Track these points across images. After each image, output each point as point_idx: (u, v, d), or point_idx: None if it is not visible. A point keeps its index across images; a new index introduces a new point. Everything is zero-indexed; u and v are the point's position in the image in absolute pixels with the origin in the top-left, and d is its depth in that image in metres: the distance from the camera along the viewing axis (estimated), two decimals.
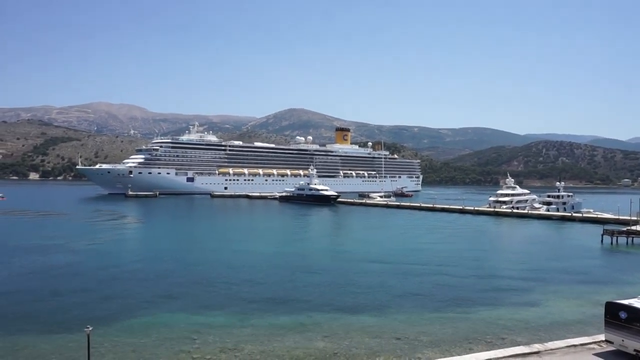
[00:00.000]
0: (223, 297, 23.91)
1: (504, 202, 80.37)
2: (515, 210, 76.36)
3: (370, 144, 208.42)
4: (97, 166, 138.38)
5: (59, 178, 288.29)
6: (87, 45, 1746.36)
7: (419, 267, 32.70)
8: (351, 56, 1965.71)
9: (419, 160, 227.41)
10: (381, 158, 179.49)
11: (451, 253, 39.14)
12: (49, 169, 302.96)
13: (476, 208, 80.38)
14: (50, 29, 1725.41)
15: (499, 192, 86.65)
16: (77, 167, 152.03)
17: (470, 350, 16.79)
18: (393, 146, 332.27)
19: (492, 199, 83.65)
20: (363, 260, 35.15)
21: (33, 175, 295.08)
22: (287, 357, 16.35)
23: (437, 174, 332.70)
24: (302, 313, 21.38)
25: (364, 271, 30.90)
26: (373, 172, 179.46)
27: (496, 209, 77.94)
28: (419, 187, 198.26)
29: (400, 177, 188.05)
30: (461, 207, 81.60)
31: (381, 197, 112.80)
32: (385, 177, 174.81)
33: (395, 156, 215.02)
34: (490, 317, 21.14)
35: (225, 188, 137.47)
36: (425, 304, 23.28)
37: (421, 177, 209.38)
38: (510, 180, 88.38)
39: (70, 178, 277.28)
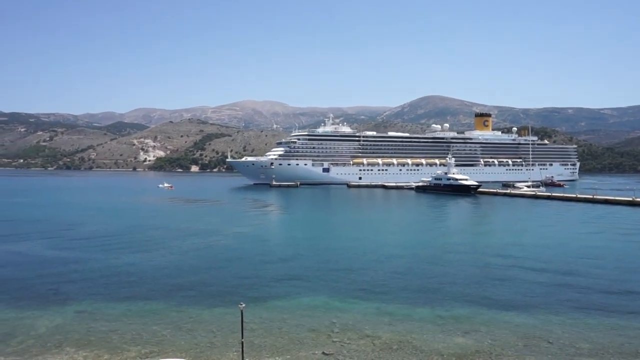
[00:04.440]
0: (361, 284, 24.48)
1: None
2: None
3: (514, 129, 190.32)
4: (244, 159, 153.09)
5: (214, 170, 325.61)
6: (235, 49, 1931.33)
7: (576, 264, 29.13)
8: (489, 36, 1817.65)
9: (574, 146, 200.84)
10: (528, 144, 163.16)
11: (618, 251, 34.03)
12: (206, 162, 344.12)
13: None
14: (208, 41, 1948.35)
15: None
16: (227, 160, 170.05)
17: None
18: (542, 131, 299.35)
19: None
20: (507, 253, 32.64)
21: (194, 168, 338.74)
22: (424, 350, 16.10)
23: (597, 160, 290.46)
24: (440, 305, 20.79)
25: (508, 265, 28.69)
26: (518, 160, 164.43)
27: None
28: (576, 176, 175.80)
29: (551, 164, 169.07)
30: (630, 199, 70.10)
31: (528, 187, 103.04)
32: (533, 165, 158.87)
33: (546, 142, 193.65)
34: None
35: (360, 178, 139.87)
36: (584, 306, 20.70)
37: (578, 164, 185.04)
38: None
39: (223, 170, 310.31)
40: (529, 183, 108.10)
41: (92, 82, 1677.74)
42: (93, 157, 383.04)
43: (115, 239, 38.63)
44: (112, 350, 16.03)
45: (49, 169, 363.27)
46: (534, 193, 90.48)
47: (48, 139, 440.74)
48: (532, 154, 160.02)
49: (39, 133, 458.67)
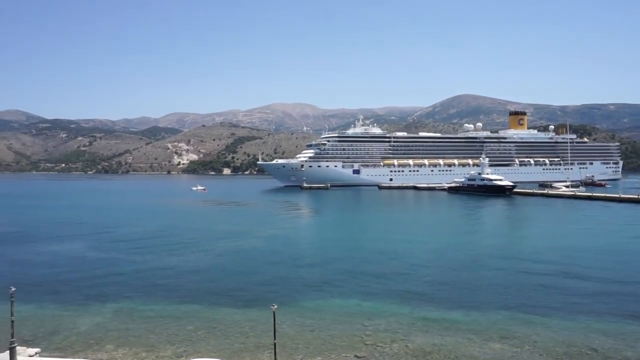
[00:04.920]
0: (393, 287, 24.23)
1: None
2: None
3: (551, 127, 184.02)
4: (274, 161, 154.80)
5: (245, 173, 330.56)
6: (265, 52, 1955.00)
7: (621, 269, 27.90)
8: (522, 31, 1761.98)
9: (617, 143, 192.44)
10: (566, 142, 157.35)
11: None
12: (238, 164, 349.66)
13: None
14: (238, 45, 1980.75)
15: None
16: (258, 162, 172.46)
17: None
18: (581, 128, 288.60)
19: None
20: (546, 257, 31.58)
21: (226, 171, 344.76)
22: (459, 355, 15.75)
23: None
24: (475, 309, 20.31)
25: (547, 270, 27.72)
26: (556, 159, 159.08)
27: None
28: (619, 175, 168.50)
29: (591, 163, 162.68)
30: None
31: (567, 186, 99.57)
32: (571, 164, 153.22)
33: (585, 140, 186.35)
34: None
35: (390, 179, 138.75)
36: (629, 313, 19.74)
37: (621, 162, 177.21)
38: None
39: (254, 172, 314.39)
40: (568, 183, 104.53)
41: (129, 88, 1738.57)
42: (129, 161, 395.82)
43: (151, 241, 39.72)
44: (149, 348, 16.47)
45: (89, 172, 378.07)
46: (573, 193, 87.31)
47: (88, 144, 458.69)
48: (570, 153, 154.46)
49: (79, 138, 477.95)
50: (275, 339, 14.05)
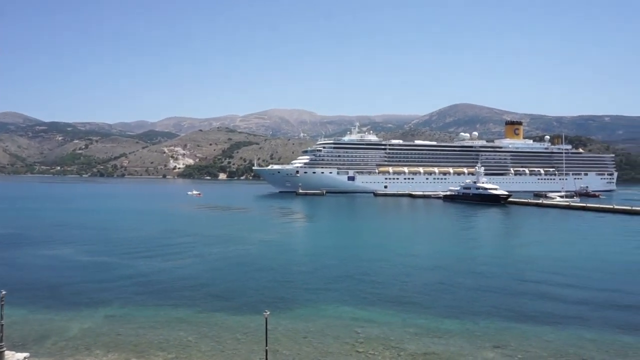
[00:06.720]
0: (387, 295, 24.22)
1: None
2: None
3: (547, 137, 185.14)
4: (269, 167, 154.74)
5: (241, 178, 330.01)
6: (264, 58, 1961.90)
7: (614, 281, 28.03)
8: (520, 42, 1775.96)
9: (612, 155, 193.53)
10: (561, 153, 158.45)
11: None
12: (234, 169, 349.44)
13: None
14: (238, 51, 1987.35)
15: None
16: (254, 168, 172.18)
17: None
18: (577, 139, 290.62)
19: None
20: (540, 267, 31.69)
21: (222, 176, 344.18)
22: None
23: (637, 170, 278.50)
24: (468, 318, 20.33)
25: (540, 279, 27.82)
26: (551, 169, 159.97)
27: None
28: (613, 186, 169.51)
29: (586, 174, 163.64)
30: None
31: (561, 197, 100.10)
32: (566, 174, 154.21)
33: (580, 150, 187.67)
34: None
35: (385, 187, 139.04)
36: (621, 324, 19.82)
37: (615, 174, 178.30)
38: None
39: (250, 178, 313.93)
40: (562, 193, 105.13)
41: (127, 91, 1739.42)
42: (125, 164, 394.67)
43: (145, 246, 39.53)
44: (139, 354, 16.34)
45: (84, 176, 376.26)
46: (567, 204, 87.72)
47: (84, 147, 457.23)
48: (565, 163, 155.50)
49: (75, 141, 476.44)
50: (267, 345, 13.99)
